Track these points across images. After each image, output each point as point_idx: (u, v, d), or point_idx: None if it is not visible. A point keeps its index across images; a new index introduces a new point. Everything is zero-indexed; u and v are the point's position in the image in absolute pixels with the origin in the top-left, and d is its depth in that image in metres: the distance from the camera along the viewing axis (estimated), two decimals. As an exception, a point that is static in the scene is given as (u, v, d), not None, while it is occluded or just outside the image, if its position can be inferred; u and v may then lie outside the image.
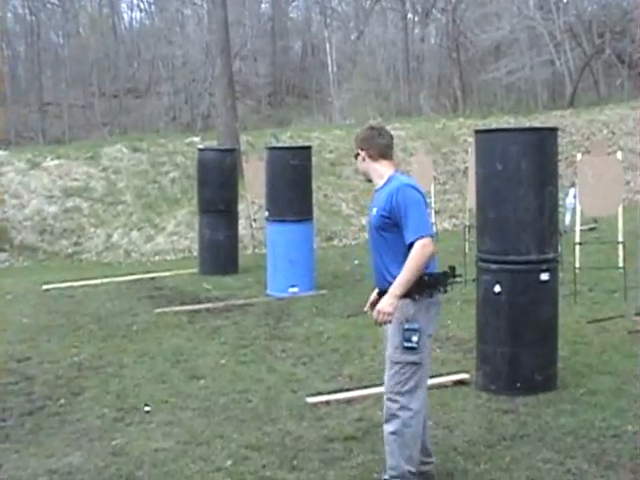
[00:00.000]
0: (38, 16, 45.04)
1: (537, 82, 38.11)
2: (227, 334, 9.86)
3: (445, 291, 5.11)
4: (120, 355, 9.01)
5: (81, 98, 43.58)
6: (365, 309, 5.38)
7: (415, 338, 4.95)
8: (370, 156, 5.24)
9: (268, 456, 5.80)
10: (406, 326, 4.95)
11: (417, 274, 4.90)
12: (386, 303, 4.91)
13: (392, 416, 5.06)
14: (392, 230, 5.01)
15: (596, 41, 35.48)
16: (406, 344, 4.95)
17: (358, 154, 5.30)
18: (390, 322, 4.98)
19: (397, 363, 5.02)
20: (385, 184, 5.16)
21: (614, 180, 11.67)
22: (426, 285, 5.01)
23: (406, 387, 5.01)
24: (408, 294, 4.94)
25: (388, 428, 5.07)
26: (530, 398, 6.78)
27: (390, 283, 4.96)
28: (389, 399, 5.08)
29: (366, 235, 19.66)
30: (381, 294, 5.08)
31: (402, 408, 5.01)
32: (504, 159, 6.91)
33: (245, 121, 34.59)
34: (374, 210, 5.13)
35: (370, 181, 5.35)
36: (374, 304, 5.14)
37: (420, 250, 4.87)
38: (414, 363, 5.01)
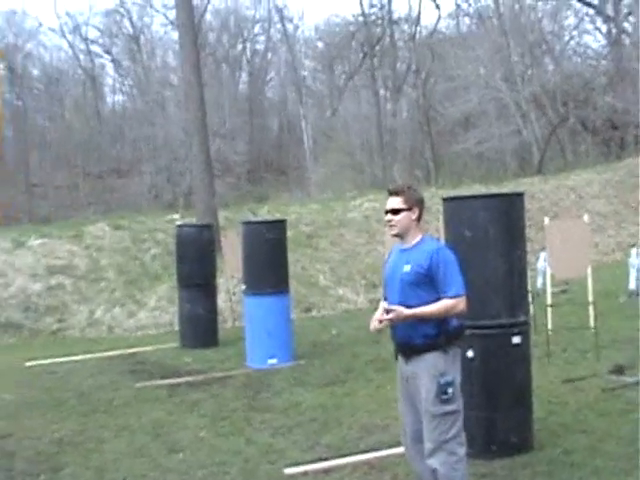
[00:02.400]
0: (25, 100, 45.67)
1: (506, 151, 38.84)
2: (206, 407, 9.84)
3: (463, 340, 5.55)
4: (100, 430, 8.98)
5: (66, 179, 43.91)
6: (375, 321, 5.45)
7: (451, 390, 5.28)
8: (418, 217, 5.46)
9: (246, 530, 5.78)
10: (442, 381, 5.26)
11: (438, 317, 5.27)
12: (404, 312, 5.22)
13: (442, 464, 5.29)
14: (425, 287, 5.32)
15: (560, 110, 36.33)
16: (443, 397, 5.26)
17: (403, 210, 5.41)
18: (391, 320, 5.25)
19: (437, 416, 5.28)
20: (417, 244, 5.42)
21: (582, 242, 11.84)
22: (454, 337, 5.37)
23: (450, 435, 5.30)
24: (439, 347, 5.28)
25: (441, 471, 5.31)
26: (507, 460, 6.77)
27: (421, 340, 5.29)
28: (436, 449, 5.30)
29: (343, 305, 19.82)
30: (404, 348, 5.41)
31: (450, 454, 5.30)
32: (472, 225, 6.99)
33: (225, 198, 34.81)
34: (406, 267, 5.35)
35: (398, 236, 5.50)
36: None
37: (455, 304, 5.28)
38: (453, 412, 5.31)
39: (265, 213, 25.01)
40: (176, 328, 16.30)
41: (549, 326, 11.61)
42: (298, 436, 8.23)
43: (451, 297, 5.25)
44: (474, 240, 6.99)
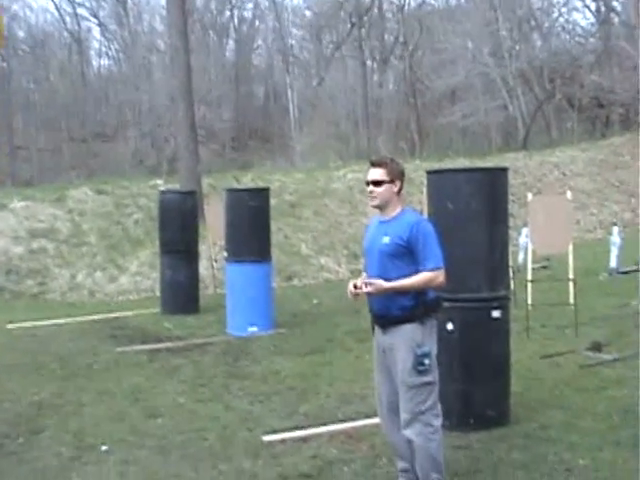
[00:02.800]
0: (9, 62, 45.37)
1: (491, 126, 39.05)
2: (186, 373, 9.89)
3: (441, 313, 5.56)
4: (80, 394, 9.00)
5: (50, 142, 43.73)
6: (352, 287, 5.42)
7: (427, 361, 5.29)
8: (399, 189, 5.45)
9: (223, 494, 5.79)
10: (419, 352, 5.27)
11: (417, 289, 5.29)
12: (384, 285, 5.23)
13: (418, 435, 5.33)
14: (404, 259, 5.31)
15: (547, 86, 36.48)
16: (420, 367, 5.27)
17: (385, 182, 5.39)
18: (370, 293, 5.27)
19: (413, 387, 5.30)
20: (397, 216, 5.41)
21: (564, 219, 11.87)
22: (431, 309, 5.38)
23: (425, 406, 5.33)
24: (416, 318, 5.29)
25: (417, 442, 5.36)
26: (483, 433, 6.83)
27: (398, 311, 5.30)
28: (412, 420, 5.34)
29: (325, 275, 19.89)
30: (381, 320, 5.42)
31: (426, 425, 5.33)
32: (455, 199, 7.01)
33: (209, 164, 34.75)
34: (385, 239, 5.34)
35: (378, 208, 5.49)
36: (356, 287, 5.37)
37: (434, 277, 5.28)
38: (429, 383, 5.33)
39: (249, 181, 25.01)
40: (157, 294, 16.35)
41: (529, 301, 11.68)
42: (276, 404, 8.29)
43: (430, 270, 5.25)
44: (456, 213, 7.01)
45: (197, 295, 15.24)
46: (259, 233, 12.69)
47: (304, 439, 7.02)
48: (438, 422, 5.41)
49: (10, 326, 14.02)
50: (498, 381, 7.14)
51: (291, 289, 18.34)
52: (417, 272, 5.27)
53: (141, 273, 19.34)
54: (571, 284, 11.88)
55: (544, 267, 17.57)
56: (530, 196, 12.71)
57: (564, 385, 8.37)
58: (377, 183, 5.40)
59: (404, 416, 5.35)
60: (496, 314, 7.03)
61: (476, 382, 7.02)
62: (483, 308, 7.01)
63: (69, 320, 14.53)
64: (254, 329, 12.28)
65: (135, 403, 8.56)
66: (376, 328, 5.53)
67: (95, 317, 14.87)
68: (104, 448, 7.02)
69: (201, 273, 16.38)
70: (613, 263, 16.39)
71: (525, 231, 15.72)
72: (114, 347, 11.74)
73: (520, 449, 6.45)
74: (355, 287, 5.34)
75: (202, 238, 16.83)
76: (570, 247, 11.99)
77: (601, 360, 9.32)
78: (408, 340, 5.29)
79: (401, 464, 5.64)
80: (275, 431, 7.24)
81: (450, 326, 6.95)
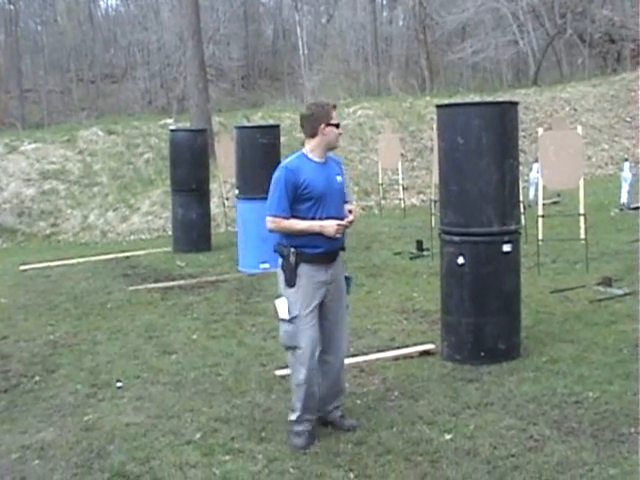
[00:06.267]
0: (17, 5, 45.07)
1: (502, 62, 38.62)
2: (199, 310, 9.97)
3: None
4: (94, 332, 9.11)
5: (59, 84, 43.61)
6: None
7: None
8: None
9: (237, 428, 5.88)
10: (347, 274, 5.64)
11: None
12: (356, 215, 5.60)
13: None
14: None
15: (558, 21, 35.95)
16: (349, 289, 5.70)
17: (339, 125, 5.57)
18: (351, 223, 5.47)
19: (345, 314, 5.81)
20: (329, 158, 5.62)
21: (575, 154, 11.78)
22: None
23: None
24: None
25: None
26: (494, 367, 6.88)
27: (342, 243, 5.61)
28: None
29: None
30: (333, 254, 5.54)
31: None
32: (465, 133, 6.97)
33: (219, 103, 34.63)
34: (339, 178, 5.53)
35: (331, 150, 5.61)
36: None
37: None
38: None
39: (259, 119, 24.91)
40: (169, 233, 16.42)
41: (540, 237, 11.65)
42: (289, 340, 8.34)
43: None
44: (467, 148, 6.99)
45: (209, 233, 15.31)
46: (270, 170, 12.53)
47: (316, 373, 7.07)
48: None
49: (23, 267, 14.16)
50: (509, 315, 7.17)
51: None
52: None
53: (153, 212, 19.40)
54: (582, 219, 11.84)
55: (555, 202, 17.53)
56: (541, 131, 12.62)
57: (574, 319, 8.40)
58: (337, 126, 5.58)
59: (344, 354, 5.77)
60: (507, 248, 7.04)
61: (487, 315, 7.06)
62: (494, 242, 7.02)
63: (82, 260, 14.64)
64: (266, 266, 12.28)
65: (149, 340, 8.66)
66: (316, 268, 5.47)
67: (107, 257, 14.97)
68: (119, 385, 7.12)
69: (212, 211, 16.41)
70: (624, 199, 16.33)
71: (536, 167, 15.62)
72: (127, 286, 11.82)
73: (530, 382, 6.50)
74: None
75: (213, 176, 16.81)
76: (581, 183, 11.94)
77: (611, 295, 9.33)
78: (343, 268, 5.66)
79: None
80: (287, 366, 7.28)
81: (461, 260, 6.98)
